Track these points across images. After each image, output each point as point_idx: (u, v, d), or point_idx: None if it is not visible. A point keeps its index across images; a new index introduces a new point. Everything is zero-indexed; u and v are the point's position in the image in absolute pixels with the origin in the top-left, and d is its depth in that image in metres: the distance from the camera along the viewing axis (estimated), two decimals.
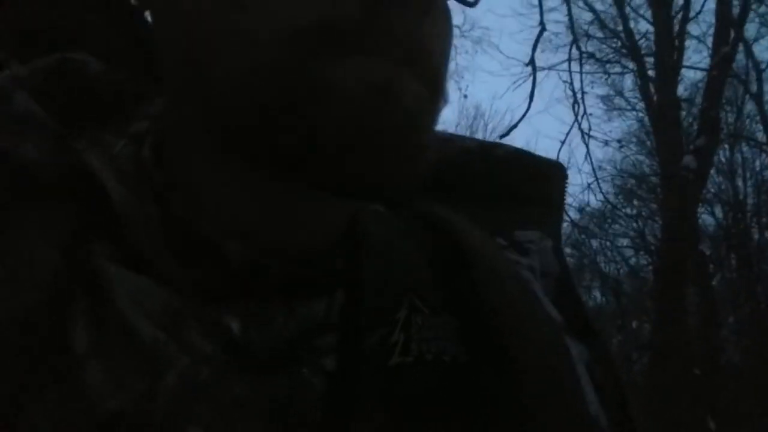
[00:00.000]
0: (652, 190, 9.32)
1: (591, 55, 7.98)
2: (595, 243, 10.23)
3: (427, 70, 0.31)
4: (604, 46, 8.47)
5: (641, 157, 9.78)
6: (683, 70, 7.57)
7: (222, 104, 0.31)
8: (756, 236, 9.18)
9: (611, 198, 9.29)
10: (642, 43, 7.94)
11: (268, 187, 0.33)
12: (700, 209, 7.98)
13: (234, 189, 0.34)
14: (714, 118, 5.96)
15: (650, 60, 7.67)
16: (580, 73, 6.35)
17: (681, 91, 7.57)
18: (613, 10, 7.97)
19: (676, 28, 7.37)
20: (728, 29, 6.07)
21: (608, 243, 10.26)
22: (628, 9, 7.86)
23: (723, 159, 9.18)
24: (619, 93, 9.43)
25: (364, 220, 0.37)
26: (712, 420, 5.65)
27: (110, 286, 0.31)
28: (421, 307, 0.34)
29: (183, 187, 0.34)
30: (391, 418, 0.31)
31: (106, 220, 0.33)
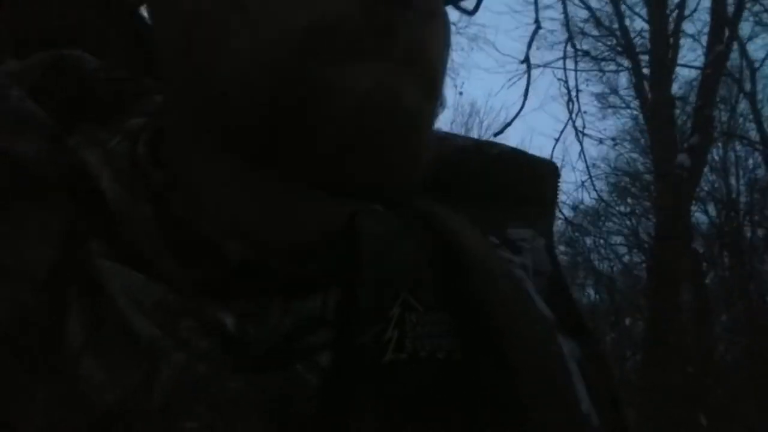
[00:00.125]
0: (645, 188, 9.34)
1: (586, 53, 7.99)
2: (588, 240, 10.26)
3: (426, 74, 0.31)
4: (599, 43, 8.49)
5: (635, 155, 9.82)
6: (678, 69, 7.60)
7: (222, 104, 0.31)
8: (749, 234, 9.22)
9: (605, 196, 9.31)
10: (637, 41, 7.97)
11: (267, 186, 0.33)
12: (694, 207, 8.01)
13: (233, 188, 0.34)
14: (708, 116, 5.98)
15: (645, 58, 7.68)
16: (575, 70, 6.38)
17: (675, 89, 7.60)
18: (609, 8, 7.98)
19: (671, 26, 7.39)
20: (723, 28, 6.08)
21: (602, 241, 10.29)
22: (623, 7, 7.87)
23: (716, 157, 9.22)
24: (614, 91, 9.46)
25: (361, 219, 0.37)
26: (704, 417, 5.68)
27: (106, 282, 0.31)
28: (415, 305, 0.35)
29: (182, 185, 0.34)
30: (385, 415, 0.31)
31: (101, 217, 0.33)
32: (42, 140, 0.34)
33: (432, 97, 0.32)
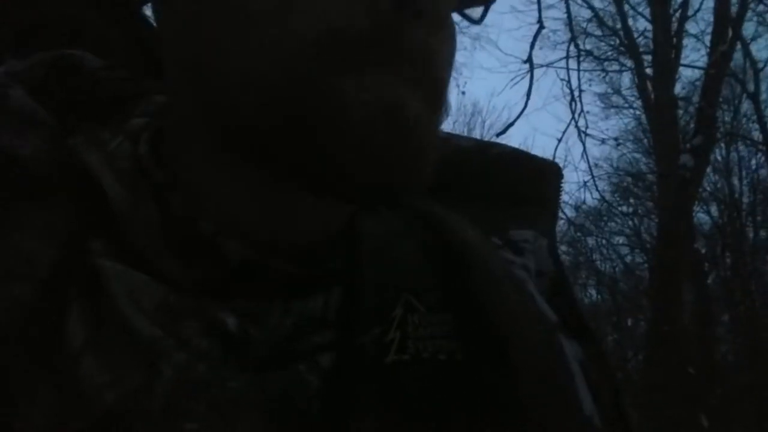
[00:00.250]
0: (648, 189, 9.33)
1: (589, 53, 7.98)
2: (591, 241, 10.25)
3: (432, 84, 0.32)
4: (602, 43, 8.48)
5: (638, 155, 9.80)
6: (681, 69, 7.59)
7: (229, 107, 0.31)
8: (751, 235, 9.21)
9: (607, 196, 9.30)
10: (640, 41, 7.95)
11: (269, 186, 0.33)
12: (696, 207, 8.00)
13: (234, 188, 0.34)
14: (711, 116, 5.97)
15: (648, 58, 7.67)
16: (578, 70, 6.35)
17: (678, 89, 7.58)
18: (612, 8, 7.97)
19: (675, 26, 7.38)
20: (726, 28, 6.07)
21: (604, 241, 10.29)
22: (626, 7, 7.86)
23: (719, 158, 9.21)
24: (617, 91, 9.45)
25: (362, 219, 0.37)
26: (705, 418, 5.67)
27: (107, 282, 0.31)
28: (417, 306, 0.35)
29: (183, 185, 0.34)
30: (387, 416, 0.31)
31: (103, 217, 0.33)
32: (43, 140, 0.34)
33: (437, 106, 0.32)
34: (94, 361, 0.30)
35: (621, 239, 10.24)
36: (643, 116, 8.50)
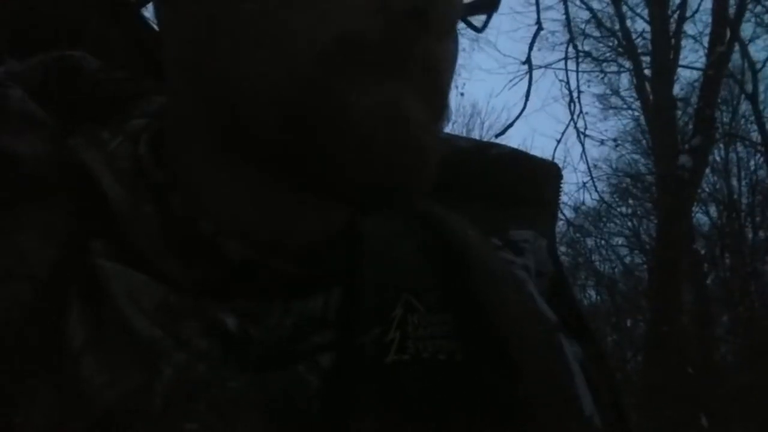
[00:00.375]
0: (647, 189, 9.33)
1: (587, 54, 7.98)
2: (590, 242, 10.25)
3: (436, 91, 0.32)
4: (601, 44, 8.48)
5: (637, 156, 9.80)
6: (679, 70, 7.59)
7: (237, 110, 0.31)
8: (750, 236, 9.22)
9: (606, 197, 9.30)
10: (638, 42, 7.96)
11: (269, 186, 0.33)
12: (695, 208, 8.01)
13: (235, 188, 0.34)
14: (709, 117, 5.97)
15: (646, 59, 7.68)
16: (577, 71, 6.36)
17: (677, 90, 7.58)
18: (610, 9, 7.97)
19: (673, 27, 7.38)
20: (724, 29, 6.08)
21: (603, 242, 10.28)
22: (625, 8, 7.86)
23: (718, 158, 9.21)
24: (615, 92, 9.44)
25: (363, 220, 0.37)
26: (705, 418, 5.67)
27: (107, 282, 0.32)
28: (417, 306, 0.35)
29: (183, 185, 0.34)
30: (387, 416, 0.31)
31: (103, 217, 0.33)
32: (43, 141, 0.34)
33: (439, 112, 0.32)
34: (94, 361, 0.30)
35: (620, 240, 10.24)
36: (642, 117, 8.50)
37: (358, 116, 0.29)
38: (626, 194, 9.85)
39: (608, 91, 9.42)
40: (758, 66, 7.61)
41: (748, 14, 6.87)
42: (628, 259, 10.26)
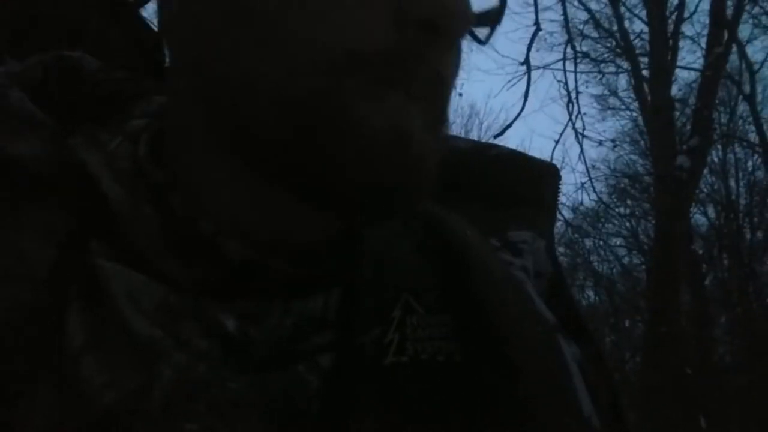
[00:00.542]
0: (645, 190, 9.34)
1: (585, 55, 7.99)
2: (588, 242, 10.27)
3: (439, 102, 0.32)
4: (599, 45, 8.49)
5: (635, 157, 9.82)
6: (677, 71, 7.59)
7: (245, 116, 0.31)
8: (748, 236, 9.23)
9: (605, 197, 9.32)
10: (636, 42, 7.96)
11: (269, 186, 0.33)
12: (693, 209, 8.01)
13: (236, 189, 0.34)
14: (707, 118, 5.98)
15: (644, 60, 7.68)
16: (575, 72, 6.37)
17: (675, 91, 7.59)
18: (608, 10, 7.98)
19: (671, 28, 7.38)
20: (722, 30, 6.09)
21: (601, 242, 10.30)
22: (623, 9, 7.87)
23: (716, 159, 9.22)
24: (614, 93, 9.46)
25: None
26: (703, 419, 5.68)
27: (107, 283, 0.32)
28: (416, 307, 0.35)
29: (183, 185, 0.34)
30: (386, 417, 0.31)
31: (102, 217, 0.33)
32: (42, 141, 0.34)
33: (441, 122, 0.33)
34: (94, 362, 0.30)
35: (618, 241, 10.26)
36: (640, 118, 8.51)
37: (365, 127, 0.29)
38: (624, 195, 9.87)
39: (606, 92, 9.45)
40: (756, 67, 7.64)
41: (745, 15, 6.89)
42: (626, 260, 10.28)
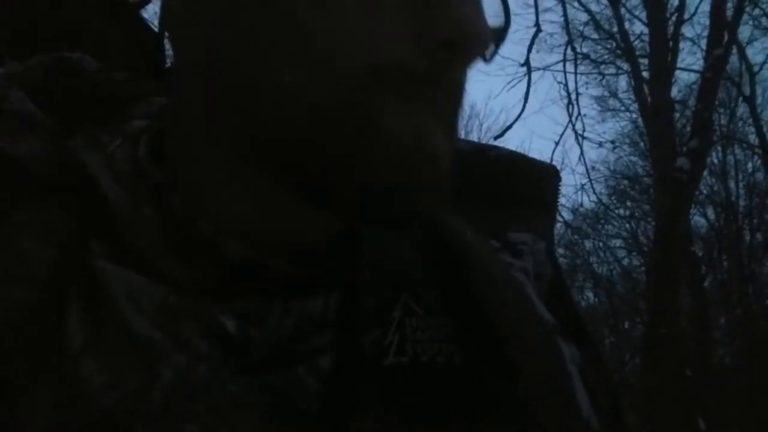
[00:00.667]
0: (645, 191, 9.34)
1: (586, 56, 7.99)
2: (588, 244, 10.26)
3: (455, 115, 0.33)
4: (599, 47, 8.49)
5: (634, 159, 9.82)
6: (677, 72, 7.59)
7: (268, 123, 0.31)
8: (748, 238, 9.23)
9: (604, 199, 9.32)
10: (637, 44, 7.96)
11: (269, 187, 0.34)
12: (693, 210, 8.01)
13: (235, 189, 0.34)
14: (707, 120, 5.98)
15: (645, 61, 7.68)
16: (575, 73, 6.36)
17: (675, 92, 7.58)
18: (608, 11, 7.98)
19: (671, 29, 7.38)
20: (722, 31, 6.09)
21: (601, 244, 10.29)
22: (623, 10, 7.87)
23: (716, 161, 9.22)
24: (614, 94, 9.46)
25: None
26: (703, 420, 5.68)
27: (107, 283, 0.32)
28: (415, 308, 0.35)
29: (183, 186, 0.34)
30: (386, 418, 0.31)
31: (102, 218, 0.33)
32: (42, 142, 0.34)
33: (455, 133, 0.34)
34: (94, 362, 0.30)
35: (618, 242, 10.26)
36: (640, 119, 8.51)
37: (389, 138, 0.30)
38: (624, 196, 9.87)
39: (606, 94, 9.44)
40: (756, 69, 7.64)
41: (745, 17, 6.89)
42: (626, 261, 10.28)
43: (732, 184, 9.38)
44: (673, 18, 7.47)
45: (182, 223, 0.33)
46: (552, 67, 6.88)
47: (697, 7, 7.50)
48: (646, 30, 7.60)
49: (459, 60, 0.32)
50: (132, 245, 0.33)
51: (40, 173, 0.33)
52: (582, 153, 6.38)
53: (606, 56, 8.59)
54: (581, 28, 7.88)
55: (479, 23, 0.31)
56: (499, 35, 0.36)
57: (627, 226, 10.02)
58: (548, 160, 0.49)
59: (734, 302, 8.81)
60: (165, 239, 0.33)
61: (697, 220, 9.24)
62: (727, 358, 8.98)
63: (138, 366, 0.30)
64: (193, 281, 0.33)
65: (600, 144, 8.48)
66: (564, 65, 6.15)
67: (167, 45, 0.47)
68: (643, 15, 7.73)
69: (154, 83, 0.42)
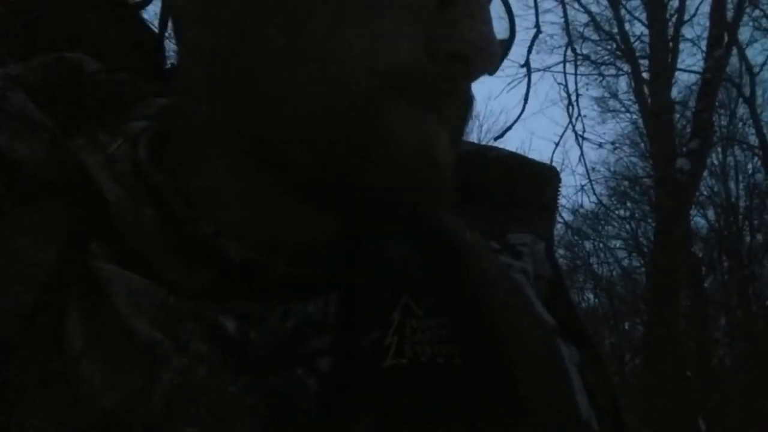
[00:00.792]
0: (645, 192, 9.34)
1: (586, 57, 7.99)
2: (588, 244, 10.26)
3: (462, 123, 0.34)
4: (599, 48, 8.49)
5: (635, 159, 9.81)
6: (677, 73, 7.60)
7: (278, 127, 0.32)
8: (748, 239, 9.22)
9: (605, 200, 9.32)
10: (637, 45, 7.97)
11: (270, 187, 0.34)
12: (693, 211, 8.00)
13: (236, 189, 0.34)
14: (707, 120, 5.98)
15: (645, 62, 7.68)
16: (575, 74, 6.35)
17: (675, 93, 7.58)
18: (609, 13, 7.98)
19: (671, 30, 7.39)
20: (722, 32, 6.08)
21: (601, 245, 10.29)
22: (623, 11, 7.87)
23: (716, 162, 9.22)
24: (614, 95, 9.45)
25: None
26: (703, 421, 5.67)
27: (107, 285, 0.32)
28: (415, 310, 0.35)
29: (184, 187, 0.34)
30: (386, 420, 0.31)
31: (102, 219, 0.33)
32: (42, 143, 0.34)
33: (459, 139, 0.35)
34: (94, 363, 0.30)
35: (618, 243, 10.25)
36: (640, 120, 8.51)
37: (396, 143, 0.31)
38: (624, 197, 9.86)
39: (606, 95, 9.44)
40: (756, 69, 7.64)
41: (745, 18, 6.89)
42: (626, 262, 10.27)
43: (732, 185, 9.38)
44: (673, 19, 7.48)
45: (182, 224, 0.33)
46: (552, 68, 6.89)
47: (697, 9, 7.52)
48: (646, 31, 7.61)
49: (468, 74, 0.32)
50: (132, 246, 0.33)
51: (40, 174, 0.33)
52: (582, 154, 6.39)
53: (606, 57, 8.60)
54: (581, 29, 7.89)
55: (491, 41, 0.32)
56: (504, 48, 0.36)
57: (627, 227, 10.02)
58: (548, 161, 0.49)
59: (734, 303, 8.80)
60: (165, 240, 0.33)
61: (698, 221, 9.25)
62: (727, 359, 8.97)
63: (138, 367, 0.30)
64: (193, 282, 0.33)
65: (600, 145, 8.50)
66: (564, 66, 6.15)
67: (167, 46, 0.47)
68: (643, 16, 7.74)
69: (154, 84, 0.42)
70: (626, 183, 9.74)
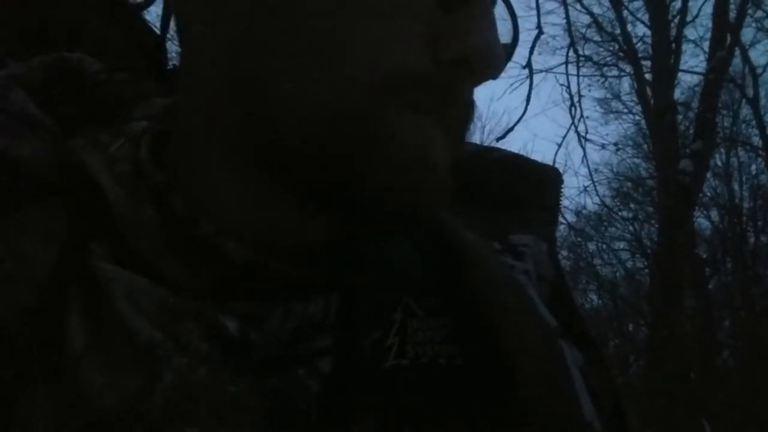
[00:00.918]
0: (648, 194, 9.33)
1: (588, 58, 7.99)
2: (591, 246, 10.25)
3: (463, 128, 0.34)
4: (602, 49, 8.49)
5: (638, 161, 9.80)
6: (680, 74, 7.59)
7: (281, 129, 0.32)
8: (752, 240, 9.20)
9: (608, 201, 9.32)
10: (639, 46, 7.96)
11: (271, 188, 0.34)
12: (696, 213, 7.99)
13: (237, 189, 0.34)
14: (710, 121, 5.97)
15: (647, 63, 7.67)
16: (578, 76, 6.35)
17: (678, 94, 7.57)
18: (611, 14, 7.98)
19: (674, 31, 7.38)
20: (725, 33, 6.08)
21: (604, 246, 10.28)
22: (625, 12, 7.87)
23: (719, 163, 9.20)
24: (616, 96, 9.45)
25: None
26: (707, 423, 5.66)
27: (107, 285, 0.32)
28: (416, 310, 0.35)
29: (185, 187, 0.34)
30: (386, 420, 0.31)
31: (103, 219, 0.33)
32: (43, 142, 0.34)
33: (459, 144, 0.35)
34: (94, 363, 0.30)
35: (621, 244, 10.24)
36: (643, 121, 8.51)
37: (394, 144, 0.31)
38: (627, 198, 9.85)
39: (609, 96, 9.44)
40: (759, 70, 7.63)
41: (748, 19, 6.89)
42: (629, 264, 10.25)
43: (736, 186, 9.36)
44: (676, 20, 7.47)
45: (183, 224, 0.33)
46: (554, 69, 6.89)
47: (699, 10, 7.50)
48: (648, 32, 7.60)
49: (471, 79, 0.32)
50: (132, 246, 0.33)
51: (41, 174, 0.33)
52: (585, 155, 6.40)
53: (608, 58, 8.59)
54: (584, 30, 7.89)
55: (495, 48, 0.32)
56: (507, 52, 0.36)
57: (630, 228, 10.01)
58: (551, 162, 0.50)
59: (738, 305, 8.78)
60: (165, 240, 0.33)
61: (701, 222, 9.23)
62: (731, 361, 8.95)
63: (138, 367, 0.30)
64: (194, 282, 0.33)
65: (603, 146, 8.49)
66: (566, 67, 6.14)
67: (169, 47, 0.47)
68: (646, 17, 7.73)
69: (156, 84, 0.42)
70: (629, 184, 9.73)
